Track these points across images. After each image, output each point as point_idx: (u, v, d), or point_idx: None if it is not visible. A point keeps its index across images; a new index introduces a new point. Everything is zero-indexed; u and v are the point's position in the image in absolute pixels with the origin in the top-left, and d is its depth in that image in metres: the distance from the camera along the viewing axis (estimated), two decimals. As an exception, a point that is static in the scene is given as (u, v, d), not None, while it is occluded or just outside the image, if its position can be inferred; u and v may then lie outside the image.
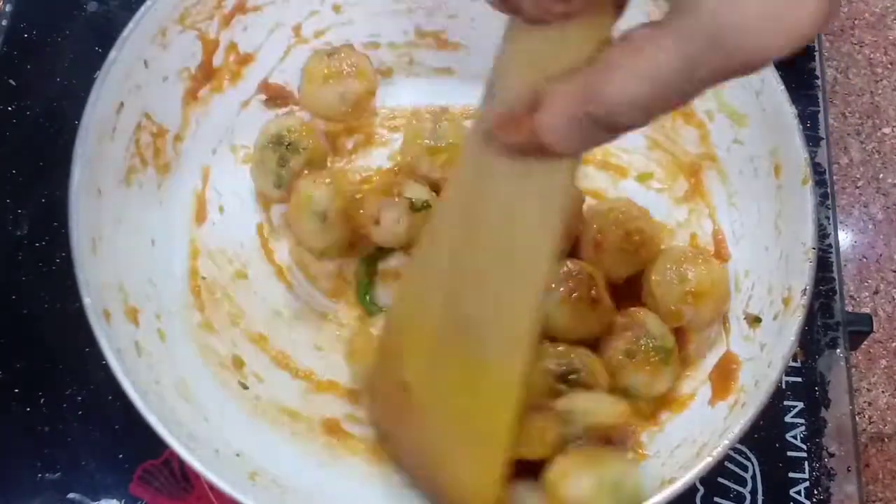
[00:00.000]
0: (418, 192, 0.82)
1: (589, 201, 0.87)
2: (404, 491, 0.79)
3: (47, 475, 0.83)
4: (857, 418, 0.88)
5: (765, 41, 0.43)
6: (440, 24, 0.96)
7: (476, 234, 0.59)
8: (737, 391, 0.77)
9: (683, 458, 0.74)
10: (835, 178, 1.03)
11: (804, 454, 0.85)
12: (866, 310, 1.50)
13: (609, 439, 0.73)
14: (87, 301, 0.74)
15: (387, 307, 0.84)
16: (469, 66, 0.96)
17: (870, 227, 1.57)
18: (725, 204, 0.88)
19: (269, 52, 0.94)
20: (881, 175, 1.60)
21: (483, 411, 0.65)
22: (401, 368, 0.70)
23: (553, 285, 0.76)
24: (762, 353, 0.77)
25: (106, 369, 0.72)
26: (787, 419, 0.86)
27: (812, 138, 0.97)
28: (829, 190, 0.95)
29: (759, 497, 0.83)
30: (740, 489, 0.83)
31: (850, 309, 1.34)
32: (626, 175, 0.92)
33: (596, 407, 0.70)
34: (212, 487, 0.81)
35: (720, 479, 0.84)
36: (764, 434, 0.85)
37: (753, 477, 0.84)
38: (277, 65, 0.94)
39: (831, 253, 0.92)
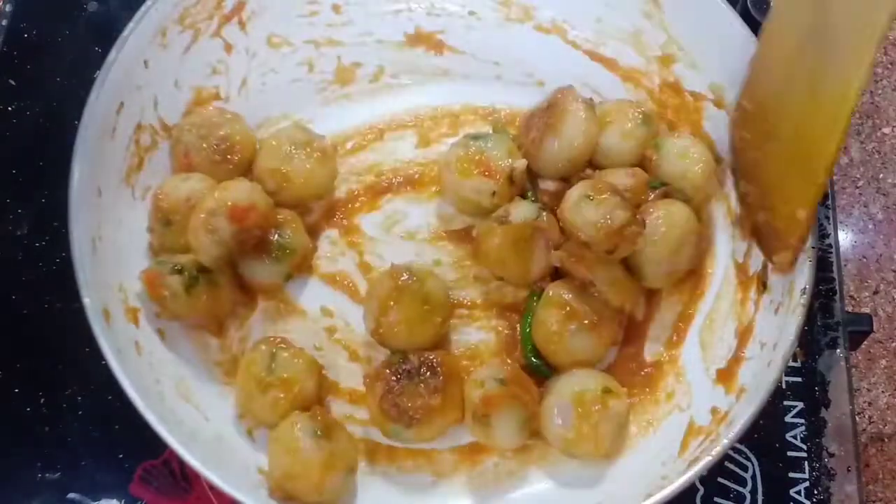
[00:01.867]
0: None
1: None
2: (403, 491, 0.79)
3: (47, 475, 0.83)
4: (857, 418, 0.88)
5: None
6: (438, 25, 0.96)
7: None
8: (737, 390, 0.77)
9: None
10: (835, 178, 1.03)
11: (804, 454, 0.85)
12: (866, 310, 1.50)
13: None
14: (87, 301, 0.74)
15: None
16: (465, 67, 0.96)
17: (870, 227, 1.57)
18: (725, 203, 0.88)
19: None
20: (881, 175, 1.60)
21: (815, 128, 0.73)
22: (758, 95, 0.81)
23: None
24: (762, 353, 0.77)
25: (106, 369, 0.72)
26: (787, 419, 0.86)
27: (812, 138, 0.97)
28: (829, 190, 0.95)
29: (759, 497, 0.83)
30: (740, 489, 0.83)
31: (850, 309, 1.35)
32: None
33: None
34: (212, 487, 0.81)
35: (720, 479, 0.84)
36: (764, 434, 0.85)
37: (753, 477, 0.84)
38: (277, 65, 0.95)
39: (831, 253, 0.92)
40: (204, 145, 0.85)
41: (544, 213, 0.81)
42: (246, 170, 0.87)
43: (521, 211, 0.81)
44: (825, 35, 0.71)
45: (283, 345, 0.79)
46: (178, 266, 0.79)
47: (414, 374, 0.77)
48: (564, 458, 0.79)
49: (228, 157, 0.85)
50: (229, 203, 0.78)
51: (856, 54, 0.69)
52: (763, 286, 0.81)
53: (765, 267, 0.81)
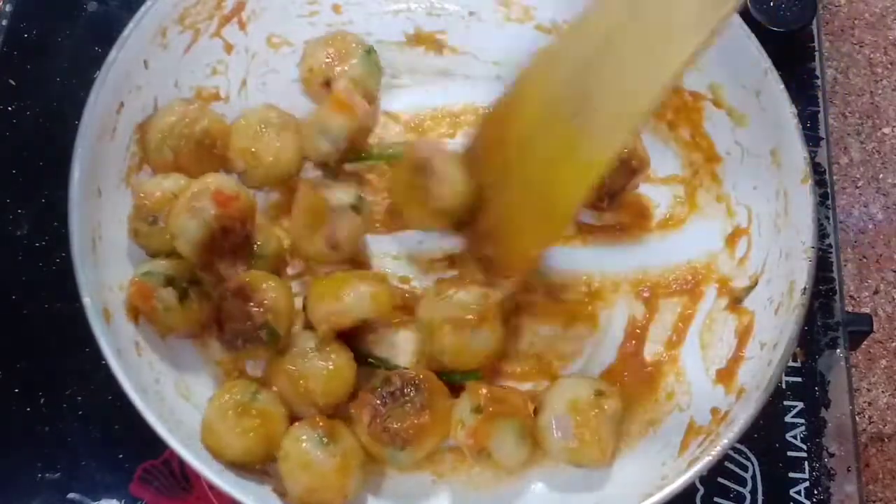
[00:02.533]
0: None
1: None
2: (403, 491, 0.79)
3: (47, 475, 0.83)
4: (857, 418, 0.88)
5: None
6: (438, 25, 0.96)
7: (640, 16, 0.69)
8: (737, 390, 0.77)
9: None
10: (835, 178, 1.03)
11: (804, 454, 0.85)
12: (866, 310, 1.50)
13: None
14: (86, 301, 0.74)
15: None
16: (465, 67, 0.96)
17: (870, 227, 1.57)
18: (725, 203, 0.88)
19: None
20: (881, 175, 1.60)
21: (563, 183, 0.74)
22: (508, 132, 0.79)
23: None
24: (762, 353, 0.77)
25: (106, 369, 0.72)
26: (787, 419, 0.86)
27: (812, 138, 0.97)
28: (829, 190, 0.95)
29: (759, 497, 0.83)
30: (740, 489, 0.83)
31: (850, 309, 1.34)
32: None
33: None
34: (212, 487, 0.81)
35: (720, 479, 0.84)
36: (764, 434, 0.85)
37: (753, 477, 0.84)
38: (277, 65, 0.94)
39: (831, 253, 0.92)
40: (187, 143, 0.83)
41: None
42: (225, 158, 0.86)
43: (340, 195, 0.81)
44: (589, 101, 0.72)
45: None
46: (169, 277, 0.78)
47: (398, 395, 0.76)
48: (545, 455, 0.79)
49: (213, 149, 0.85)
50: (214, 188, 0.78)
51: (611, 136, 0.72)
52: (736, 300, 0.82)
53: (750, 286, 0.81)
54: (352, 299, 0.78)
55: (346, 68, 0.89)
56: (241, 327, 0.76)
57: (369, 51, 0.90)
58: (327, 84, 0.89)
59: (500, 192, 0.80)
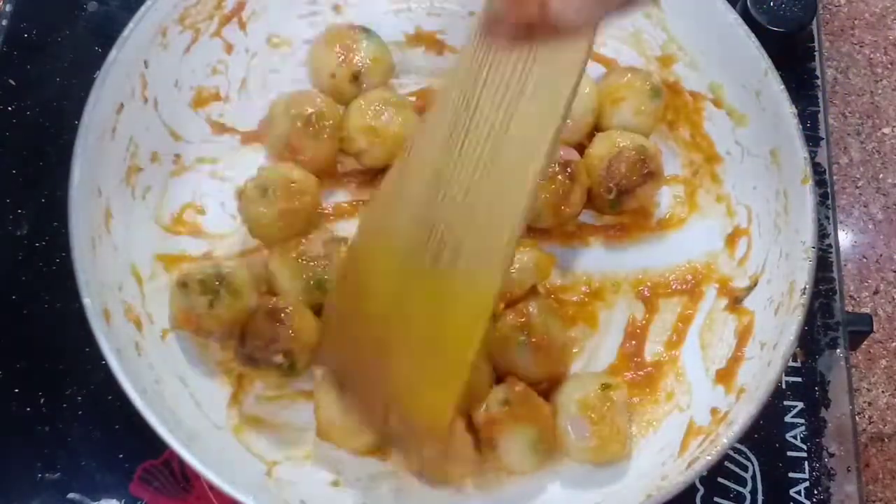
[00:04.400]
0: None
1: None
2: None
3: (47, 475, 0.83)
4: (857, 418, 0.88)
5: None
6: (438, 25, 0.96)
7: (465, 144, 0.59)
8: (737, 390, 0.77)
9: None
10: (835, 178, 1.03)
11: (804, 454, 0.85)
12: (866, 310, 1.50)
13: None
14: (86, 301, 0.74)
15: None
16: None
17: (870, 227, 1.57)
18: (725, 203, 0.88)
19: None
20: (881, 175, 1.60)
21: (451, 337, 0.66)
22: (364, 304, 0.70)
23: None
24: (762, 353, 0.77)
25: (106, 369, 0.72)
26: (787, 419, 0.86)
27: (812, 138, 0.97)
28: (829, 190, 0.95)
29: (759, 497, 0.83)
30: (740, 489, 0.83)
31: (850, 309, 1.34)
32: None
33: None
34: (212, 487, 0.81)
35: (720, 479, 0.83)
36: (764, 434, 0.85)
37: (753, 477, 0.84)
38: (277, 65, 0.94)
39: (831, 253, 0.92)
40: (299, 124, 0.85)
41: None
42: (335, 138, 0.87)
43: None
44: (446, 243, 0.64)
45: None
46: (201, 279, 0.78)
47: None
48: (564, 457, 0.79)
49: (324, 129, 0.86)
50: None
51: (488, 268, 0.63)
52: (736, 300, 0.82)
53: (750, 287, 0.81)
54: (517, 271, 0.79)
55: (361, 55, 0.90)
56: (261, 346, 0.76)
57: (367, 31, 0.91)
58: (356, 78, 0.89)
59: (379, 370, 0.71)
